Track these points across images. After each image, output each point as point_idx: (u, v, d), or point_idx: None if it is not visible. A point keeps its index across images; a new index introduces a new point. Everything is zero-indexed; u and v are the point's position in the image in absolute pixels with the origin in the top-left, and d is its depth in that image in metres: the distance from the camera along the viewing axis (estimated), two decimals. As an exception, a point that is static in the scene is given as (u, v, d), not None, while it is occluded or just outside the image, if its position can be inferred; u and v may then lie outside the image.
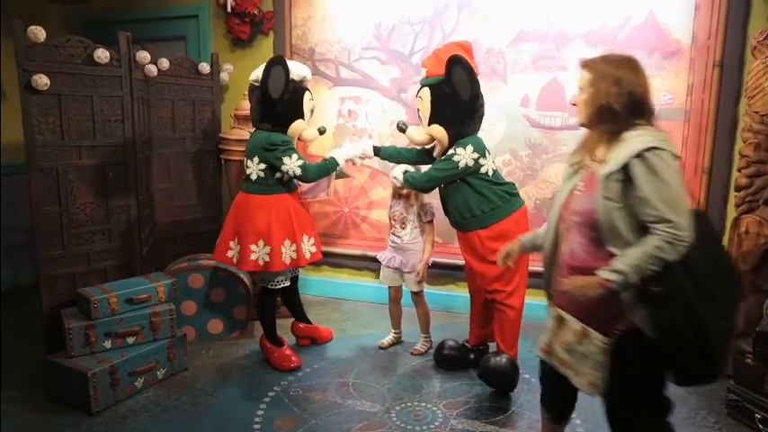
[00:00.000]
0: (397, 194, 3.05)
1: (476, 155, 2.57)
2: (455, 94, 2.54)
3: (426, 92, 2.64)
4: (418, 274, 3.01)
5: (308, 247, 2.85)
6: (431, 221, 3.04)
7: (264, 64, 2.69)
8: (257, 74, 2.76)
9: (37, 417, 2.47)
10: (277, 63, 2.67)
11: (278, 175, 2.75)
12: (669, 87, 3.25)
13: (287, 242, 2.76)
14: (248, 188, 2.80)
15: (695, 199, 3.25)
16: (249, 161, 2.76)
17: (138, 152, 3.12)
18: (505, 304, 2.65)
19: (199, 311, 3.22)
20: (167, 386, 2.73)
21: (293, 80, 2.76)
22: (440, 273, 3.78)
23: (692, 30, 3.19)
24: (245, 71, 4.01)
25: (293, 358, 2.93)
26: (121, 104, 3.01)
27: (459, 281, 3.75)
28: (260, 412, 2.50)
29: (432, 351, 3.05)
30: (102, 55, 2.89)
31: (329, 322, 3.56)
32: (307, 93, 2.82)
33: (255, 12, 3.91)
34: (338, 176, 3.10)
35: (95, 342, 2.60)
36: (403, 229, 3.03)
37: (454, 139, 2.61)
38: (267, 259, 2.73)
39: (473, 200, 2.61)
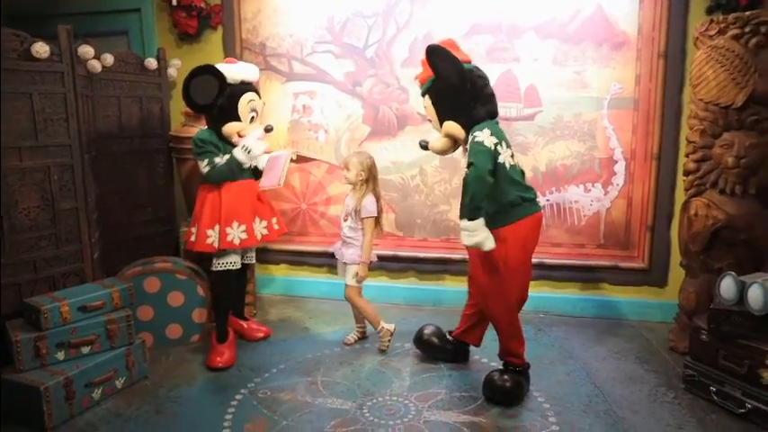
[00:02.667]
0: (352, 186, 3.01)
1: (495, 139, 2.38)
2: (448, 84, 2.43)
3: (426, 99, 2.58)
4: (357, 273, 2.99)
5: (237, 233, 2.86)
6: (368, 218, 2.95)
7: (189, 73, 2.78)
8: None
9: (-15, 437, 2.31)
10: (198, 74, 2.77)
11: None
12: (619, 77, 3.35)
13: (216, 227, 2.84)
14: (203, 179, 2.92)
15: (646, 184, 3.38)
16: None
17: (84, 152, 2.96)
18: (507, 311, 2.55)
19: (156, 316, 3.08)
20: (128, 396, 2.61)
21: (230, 84, 2.82)
22: (402, 266, 3.78)
23: (637, 21, 3.30)
24: (193, 66, 3.88)
25: (224, 357, 2.88)
26: (65, 102, 2.84)
27: (423, 273, 3.77)
28: (228, 416, 2.43)
29: (365, 341, 3.15)
30: (41, 50, 2.71)
31: (292, 321, 3.50)
32: (246, 94, 2.87)
33: (202, 5, 3.78)
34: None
35: (47, 354, 2.45)
36: (345, 221, 3.02)
37: (470, 129, 2.47)
38: (193, 240, 2.88)
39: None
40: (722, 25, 2.77)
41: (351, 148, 3.73)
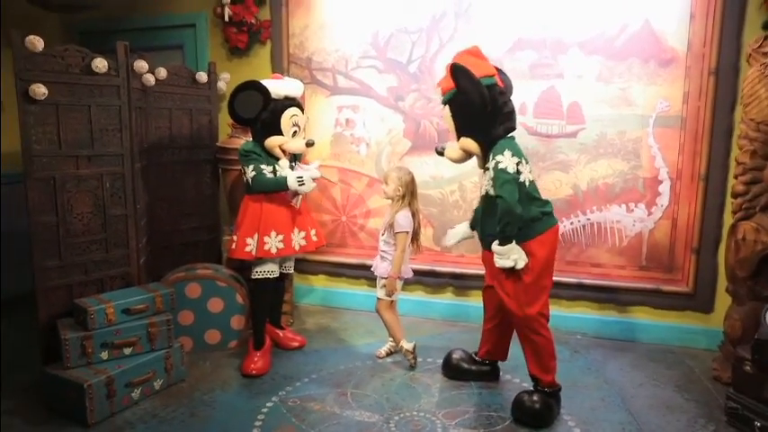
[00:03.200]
0: (390, 200, 3.05)
1: (516, 159, 2.43)
2: (469, 101, 2.45)
3: (446, 110, 2.61)
4: (385, 287, 3.02)
5: (275, 242, 2.94)
6: (400, 233, 2.96)
7: (236, 87, 2.90)
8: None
9: (33, 429, 2.45)
10: (243, 89, 2.87)
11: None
12: (665, 95, 3.26)
13: (255, 236, 2.93)
14: (246, 190, 3.03)
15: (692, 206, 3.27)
16: None
17: (135, 161, 3.11)
18: (533, 329, 2.50)
19: (196, 322, 3.20)
20: (164, 397, 2.71)
21: (274, 99, 2.92)
22: (439, 281, 3.78)
23: (687, 37, 3.21)
24: (242, 80, 4.01)
25: (258, 365, 2.97)
26: (119, 114, 3.01)
27: (459, 289, 3.76)
28: (258, 423, 2.49)
29: (397, 354, 3.13)
30: (100, 64, 2.89)
31: (327, 332, 3.55)
32: (289, 110, 2.94)
33: (253, 21, 3.92)
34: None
35: (92, 353, 2.59)
36: (382, 235, 3.06)
37: (488, 146, 2.52)
38: (233, 247, 2.98)
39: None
40: (776, 42, 2.67)
41: (392, 161, 3.77)
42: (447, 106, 2.59)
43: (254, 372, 2.93)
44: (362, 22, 3.77)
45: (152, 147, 3.48)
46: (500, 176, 2.42)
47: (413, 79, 3.72)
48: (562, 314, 3.44)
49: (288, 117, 2.93)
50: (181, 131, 3.68)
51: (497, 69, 2.62)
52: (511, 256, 2.42)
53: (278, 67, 3.93)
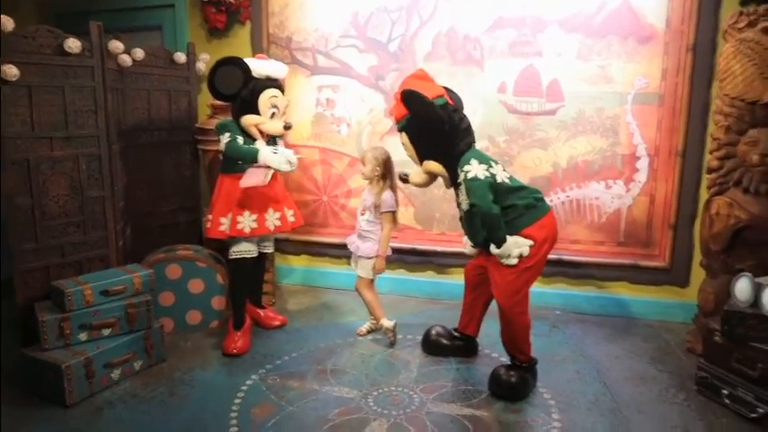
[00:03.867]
0: (369, 181, 3.05)
1: (484, 165, 2.46)
2: (425, 125, 2.49)
3: (404, 136, 2.62)
4: (374, 266, 3.03)
5: (248, 222, 2.95)
6: (387, 212, 2.99)
7: (216, 62, 2.87)
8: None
9: (12, 410, 2.45)
10: (224, 64, 2.84)
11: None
12: (644, 72, 3.27)
13: (229, 215, 2.95)
14: (221, 168, 3.06)
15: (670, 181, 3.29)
16: None
17: (112, 143, 3.09)
18: (515, 312, 2.52)
19: (177, 302, 3.21)
20: (145, 377, 2.73)
21: (255, 78, 2.88)
22: (420, 260, 3.80)
23: (665, 14, 3.21)
24: (221, 60, 4.01)
25: (238, 344, 2.98)
26: (94, 95, 2.98)
27: (440, 267, 3.79)
28: (237, 401, 2.51)
29: (377, 332, 3.14)
30: (72, 45, 2.85)
31: (309, 311, 3.57)
32: (269, 90, 2.91)
33: (232, 0, 3.87)
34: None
35: (70, 335, 2.59)
36: (362, 215, 3.06)
37: (452, 165, 2.55)
38: (208, 226, 3.02)
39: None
40: (752, 17, 2.68)
41: (372, 141, 3.77)
42: (404, 133, 2.61)
43: (234, 351, 2.94)
44: (342, 1, 3.73)
45: (130, 128, 3.45)
46: (471, 185, 2.45)
47: (393, 58, 3.70)
48: (541, 290, 3.47)
49: (266, 97, 2.91)
50: (159, 113, 3.65)
51: (445, 89, 2.66)
52: (513, 253, 2.43)
53: (258, 48, 3.89)
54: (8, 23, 2.63)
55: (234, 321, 3.06)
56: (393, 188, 3.04)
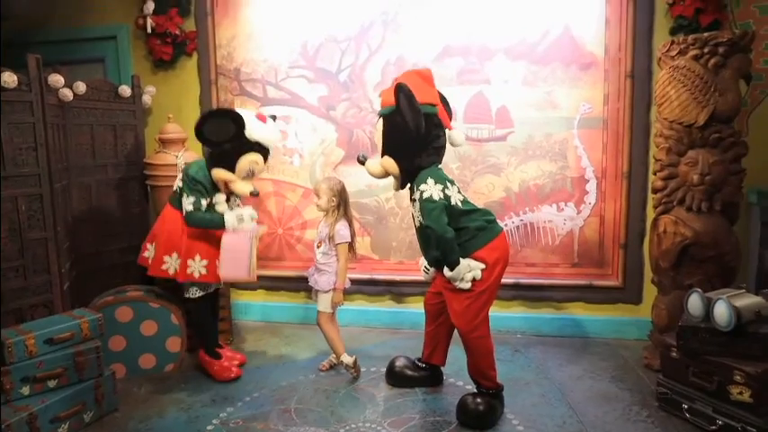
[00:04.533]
0: (324, 212, 3.02)
1: (439, 186, 2.46)
2: (405, 124, 2.45)
3: (380, 122, 2.60)
4: (332, 300, 3.00)
5: (198, 266, 2.90)
6: (342, 243, 2.96)
7: (217, 108, 2.87)
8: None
9: (-53, 476, 2.25)
10: (221, 115, 2.79)
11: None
12: (587, 97, 3.40)
13: (174, 254, 2.91)
14: (171, 200, 2.98)
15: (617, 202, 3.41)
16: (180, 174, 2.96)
17: (54, 181, 2.94)
18: (475, 337, 2.53)
19: (128, 346, 3.05)
20: (96, 429, 2.56)
21: (245, 137, 2.79)
22: (379, 290, 3.77)
23: (604, 43, 3.36)
24: (168, 93, 3.92)
25: (233, 369, 3.02)
26: (33, 131, 2.84)
27: (400, 296, 3.77)
28: (198, 448, 2.39)
29: (340, 366, 3.08)
30: (8, 79, 2.72)
31: (268, 347, 3.47)
32: (252, 154, 2.84)
33: (177, 32, 3.80)
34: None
35: (11, 389, 2.40)
36: (318, 248, 3.02)
37: (406, 172, 2.55)
38: (147, 259, 2.98)
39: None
40: (683, 46, 2.83)
41: (325, 171, 3.74)
42: (381, 120, 2.60)
43: (232, 375, 2.99)
44: (291, 31, 3.73)
45: (73, 165, 3.31)
46: (426, 206, 2.46)
47: (343, 88, 3.72)
48: (501, 315, 3.51)
49: (248, 161, 2.83)
50: (104, 148, 3.52)
51: (441, 97, 2.66)
52: (465, 276, 2.44)
53: (206, 79, 3.83)
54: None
55: (210, 353, 3.04)
56: (348, 219, 3.02)
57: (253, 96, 3.84)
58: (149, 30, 3.78)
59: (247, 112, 2.87)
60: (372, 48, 3.65)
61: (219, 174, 2.83)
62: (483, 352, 2.54)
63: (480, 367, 2.56)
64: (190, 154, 3.47)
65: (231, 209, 2.97)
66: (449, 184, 2.52)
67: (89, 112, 3.43)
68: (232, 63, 3.85)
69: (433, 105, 2.53)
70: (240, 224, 2.86)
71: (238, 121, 2.76)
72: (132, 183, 3.66)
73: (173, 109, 3.71)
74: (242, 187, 2.87)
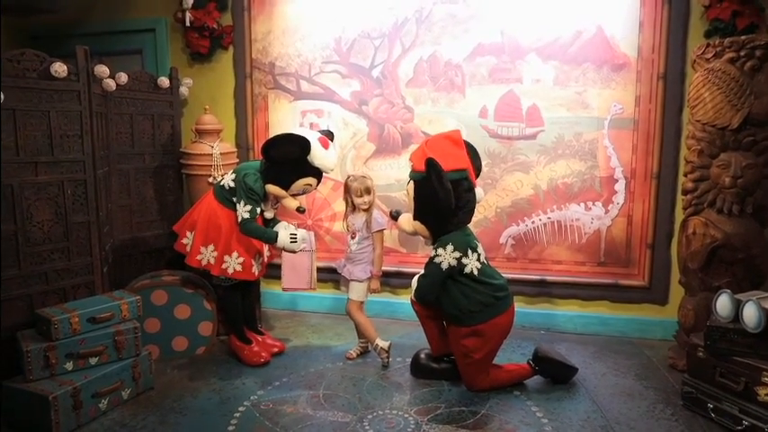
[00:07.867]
0: (352, 206, 3.10)
1: (457, 254, 2.60)
2: (434, 194, 2.53)
3: (411, 186, 2.72)
4: (368, 287, 3.11)
5: (234, 263, 2.99)
6: (379, 231, 3.09)
7: (289, 133, 2.97)
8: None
9: (-6, 445, 2.37)
10: (292, 140, 2.89)
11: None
12: (619, 98, 3.42)
13: (210, 246, 3.00)
14: (216, 192, 3.05)
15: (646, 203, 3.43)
16: (231, 173, 3.03)
17: (97, 167, 3.05)
18: (479, 390, 2.78)
19: (163, 329, 3.15)
20: (133, 406, 2.66)
21: (306, 161, 2.90)
22: (405, 282, 3.82)
23: (637, 44, 3.37)
24: (204, 85, 4.02)
25: (263, 354, 3.11)
26: (80, 119, 2.95)
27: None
28: (231, 428, 2.47)
29: (367, 355, 3.21)
30: (59, 69, 2.82)
31: (295, 336, 3.55)
32: (308, 178, 2.97)
33: (215, 26, 3.89)
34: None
35: (56, 364, 2.52)
36: (353, 239, 3.10)
37: (436, 235, 2.68)
38: (185, 247, 3.07)
39: (458, 298, 2.65)
40: (718, 48, 2.83)
41: (356, 165, 3.81)
42: (412, 183, 2.71)
43: (263, 360, 3.08)
44: (325, 27, 3.80)
45: (113, 153, 3.41)
46: (431, 267, 2.67)
47: (376, 84, 3.77)
48: (525, 311, 3.54)
49: (302, 183, 2.97)
50: (143, 137, 3.63)
51: (469, 148, 2.77)
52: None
53: (241, 73, 3.92)
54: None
55: (240, 339, 3.13)
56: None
57: (286, 90, 3.92)
58: (188, 23, 3.88)
59: (312, 135, 2.96)
60: (406, 45, 3.70)
61: (274, 190, 2.97)
62: (492, 386, 2.77)
63: (470, 377, 2.81)
64: (224, 145, 3.58)
65: (274, 209, 3.14)
66: (470, 252, 2.64)
67: (129, 102, 3.54)
68: (267, 57, 3.93)
69: (463, 170, 2.63)
70: (291, 245, 2.95)
71: (305, 149, 2.87)
72: (168, 171, 3.76)
73: (208, 101, 3.81)
74: (291, 203, 3.01)
